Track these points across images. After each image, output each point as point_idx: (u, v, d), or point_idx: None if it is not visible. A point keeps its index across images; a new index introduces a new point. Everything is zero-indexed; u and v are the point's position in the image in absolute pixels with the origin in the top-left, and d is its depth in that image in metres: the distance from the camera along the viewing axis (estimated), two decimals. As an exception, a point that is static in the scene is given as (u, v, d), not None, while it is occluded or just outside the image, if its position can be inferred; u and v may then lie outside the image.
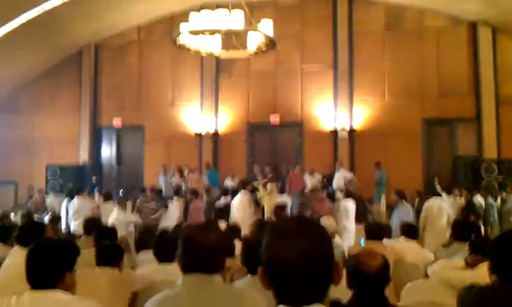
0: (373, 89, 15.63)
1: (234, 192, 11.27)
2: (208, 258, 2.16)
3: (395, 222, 8.73)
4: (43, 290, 2.37)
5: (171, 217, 10.74)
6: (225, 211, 9.91)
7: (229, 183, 14.45)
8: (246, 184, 11.55)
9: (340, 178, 13.67)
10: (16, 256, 3.89)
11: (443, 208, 10.03)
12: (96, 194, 13.31)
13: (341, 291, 2.47)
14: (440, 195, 10.90)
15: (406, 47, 15.51)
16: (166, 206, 10.94)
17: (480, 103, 15.01)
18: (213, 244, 2.19)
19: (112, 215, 9.77)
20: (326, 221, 6.20)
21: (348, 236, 10.18)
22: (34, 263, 2.41)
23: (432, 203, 10.11)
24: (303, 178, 13.56)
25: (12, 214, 12.24)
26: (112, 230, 5.43)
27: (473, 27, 15.26)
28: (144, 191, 11.74)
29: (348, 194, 11.02)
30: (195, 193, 11.59)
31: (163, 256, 4.10)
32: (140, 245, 5.19)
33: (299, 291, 1.38)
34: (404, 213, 9.80)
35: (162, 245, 4.15)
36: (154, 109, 16.93)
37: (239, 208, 10.63)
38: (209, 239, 2.20)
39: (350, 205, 10.63)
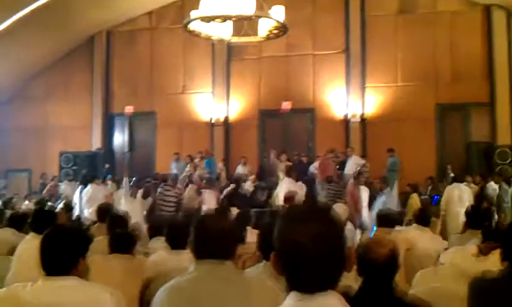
0: (385, 75, 15.52)
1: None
2: (220, 244, 2.18)
3: (377, 209, 8.69)
4: (57, 276, 2.40)
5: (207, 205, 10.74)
6: (236, 198, 9.93)
7: (240, 170, 14.48)
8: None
9: (352, 164, 13.62)
10: (30, 242, 3.95)
11: (464, 196, 10.05)
12: (110, 182, 13.41)
13: (352, 279, 2.48)
14: (461, 181, 10.91)
15: (419, 32, 15.36)
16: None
17: (494, 88, 14.86)
18: (225, 229, 2.21)
19: (121, 204, 9.93)
20: (339, 209, 6.20)
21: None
22: (48, 250, 2.45)
23: (453, 189, 10.15)
24: (333, 164, 13.10)
25: (26, 202, 12.38)
26: (124, 218, 5.48)
27: (487, 10, 15.07)
28: (165, 181, 11.70)
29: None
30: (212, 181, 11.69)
31: (176, 243, 4.13)
32: (152, 233, 5.23)
33: (311, 276, 1.39)
34: (389, 201, 9.88)
35: (175, 232, 4.19)
36: (166, 96, 16.96)
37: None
38: (221, 225, 2.22)
39: (363, 193, 10.60)
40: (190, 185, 12.07)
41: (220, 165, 14.70)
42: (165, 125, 16.91)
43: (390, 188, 13.29)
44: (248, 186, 12.17)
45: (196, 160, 14.70)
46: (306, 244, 1.37)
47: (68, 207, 9.57)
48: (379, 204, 9.85)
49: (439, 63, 15.22)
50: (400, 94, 15.33)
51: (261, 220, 6.92)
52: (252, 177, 12.80)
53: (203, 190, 11.09)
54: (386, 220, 5.58)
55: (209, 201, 10.67)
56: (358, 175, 10.55)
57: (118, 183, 11.98)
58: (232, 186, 11.47)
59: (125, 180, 11.10)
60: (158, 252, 4.42)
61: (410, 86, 15.30)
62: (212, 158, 14.85)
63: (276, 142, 16.12)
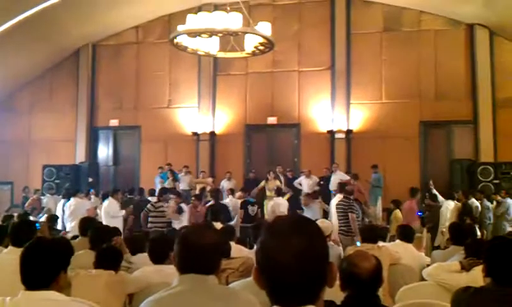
0: (370, 91, 15.66)
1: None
2: (203, 259, 2.17)
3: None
4: (37, 290, 2.37)
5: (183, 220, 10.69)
6: (221, 213, 9.87)
7: (225, 184, 14.46)
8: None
9: (337, 180, 13.67)
10: (9, 255, 3.89)
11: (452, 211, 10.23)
12: (93, 196, 13.30)
13: (335, 294, 2.48)
14: (452, 198, 11.07)
15: (403, 49, 15.54)
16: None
17: (477, 106, 15.05)
18: (208, 244, 2.20)
19: (103, 205, 9.92)
20: (323, 224, 6.20)
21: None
22: (28, 263, 2.41)
23: (446, 206, 10.33)
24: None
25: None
26: (108, 231, 5.43)
27: (470, 29, 15.30)
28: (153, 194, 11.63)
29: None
30: (198, 196, 11.64)
31: (158, 258, 4.10)
32: (135, 249, 5.18)
33: (292, 291, 1.37)
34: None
35: (158, 246, 4.16)
36: (151, 110, 16.92)
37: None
38: (205, 239, 2.21)
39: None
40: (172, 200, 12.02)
41: (209, 180, 14.66)
42: (150, 139, 16.85)
43: (374, 203, 13.40)
44: (233, 202, 12.10)
45: (179, 176, 14.71)
46: (288, 261, 1.36)
47: (51, 220, 9.46)
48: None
49: (423, 81, 15.39)
50: (385, 111, 15.46)
51: (256, 235, 6.88)
52: (238, 193, 12.75)
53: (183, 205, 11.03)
54: (370, 235, 5.59)
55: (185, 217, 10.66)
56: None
57: (103, 197, 11.88)
58: (210, 200, 11.43)
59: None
60: (141, 267, 4.39)
61: (395, 103, 15.44)
62: (166, 172, 14.73)
63: (261, 157, 16.15)
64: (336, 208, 9.58)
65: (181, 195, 11.86)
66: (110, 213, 10.28)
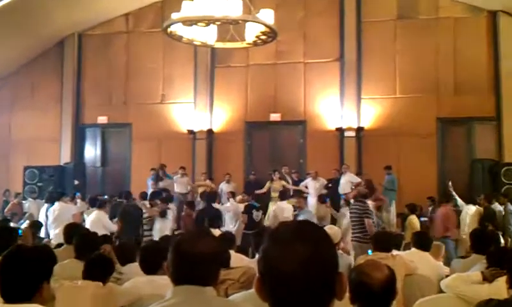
0: (383, 85, 15.64)
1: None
2: (200, 268, 2.15)
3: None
4: (18, 303, 2.36)
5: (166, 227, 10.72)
6: (219, 219, 9.88)
7: (224, 187, 14.46)
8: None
9: (347, 183, 13.67)
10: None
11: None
12: (79, 200, 13.32)
13: (344, 307, 2.47)
14: (473, 202, 11.09)
15: (419, 39, 15.52)
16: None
17: (501, 100, 15.02)
18: (206, 252, 2.19)
19: (91, 216, 9.93)
20: (331, 230, 6.19)
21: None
22: (7, 274, 2.39)
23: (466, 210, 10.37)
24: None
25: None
26: (94, 238, 5.43)
27: (492, 16, 15.28)
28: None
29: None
30: (190, 204, 11.66)
31: (151, 268, 4.10)
32: (125, 258, 5.18)
33: (297, 304, 1.37)
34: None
35: (150, 255, 4.16)
36: (143, 105, 16.93)
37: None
38: (202, 247, 2.19)
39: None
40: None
41: (208, 182, 14.69)
42: (142, 138, 16.85)
43: (387, 208, 13.38)
44: (235, 206, 12.10)
45: (175, 177, 14.72)
46: (293, 270, 1.36)
47: (34, 226, 9.46)
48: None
49: (441, 73, 15.37)
50: (399, 107, 15.44)
51: (258, 243, 6.89)
52: (239, 197, 12.74)
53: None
54: (383, 243, 5.58)
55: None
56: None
57: (90, 202, 11.89)
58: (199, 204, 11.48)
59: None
60: (132, 278, 4.39)
61: (410, 98, 15.42)
62: (156, 174, 14.79)
63: (263, 158, 16.14)
64: (350, 213, 9.57)
65: (169, 197, 11.81)
66: (103, 226, 10.25)
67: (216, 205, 11.20)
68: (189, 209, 11.43)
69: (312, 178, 14.13)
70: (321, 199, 12.45)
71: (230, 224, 11.73)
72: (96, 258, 4.21)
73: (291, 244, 1.39)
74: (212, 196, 11.68)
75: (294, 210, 11.35)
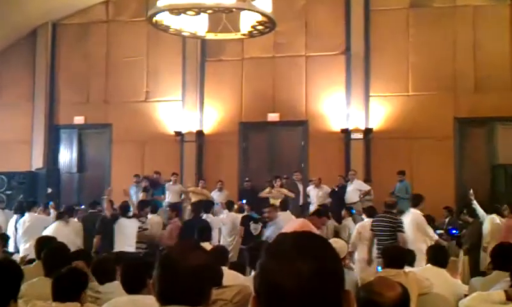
0: (394, 82, 15.67)
1: None
2: (190, 286, 2.15)
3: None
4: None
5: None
6: (209, 231, 9.85)
7: (215, 196, 14.44)
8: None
9: (354, 191, 13.68)
10: None
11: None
12: (53, 210, 13.27)
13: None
14: (497, 211, 11.12)
15: (435, 29, 15.55)
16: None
17: (526, 99, 15.08)
18: (197, 268, 2.18)
19: (49, 228, 9.95)
20: (337, 244, 6.20)
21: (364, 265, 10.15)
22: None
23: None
24: None
25: None
26: (65, 253, 5.40)
27: (517, 5, 15.35)
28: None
29: (370, 212, 10.94)
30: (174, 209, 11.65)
31: (133, 286, 4.09)
32: (103, 276, 5.16)
33: None
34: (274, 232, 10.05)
35: (133, 272, 4.14)
36: (124, 104, 16.92)
37: None
38: (192, 262, 2.18)
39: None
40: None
41: (206, 191, 14.62)
42: (123, 140, 16.83)
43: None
44: (232, 217, 12.07)
45: (167, 185, 14.73)
46: (292, 287, 1.35)
47: (1, 238, 9.42)
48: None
49: (459, 68, 15.40)
50: (412, 106, 15.47)
51: (254, 258, 6.89)
52: (236, 206, 12.72)
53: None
54: (394, 258, 5.59)
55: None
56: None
57: (65, 212, 11.87)
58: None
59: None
60: (112, 298, 4.38)
61: (424, 96, 15.45)
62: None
63: (260, 163, 16.14)
64: (377, 226, 9.57)
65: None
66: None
67: (209, 216, 11.17)
68: (176, 218, 11.42)
69: (315, 185, 14.11)
70: (281, 206, 12.27)
71: (228, 238, 11.70)
72: (64, 273, 4.16)
73: (292, 258, 1.39)
74: (209, 206, 11.65)
75: (261, 223, 11.35)
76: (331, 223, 12.12)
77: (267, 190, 13.74)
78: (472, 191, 12.36)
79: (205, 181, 15.01)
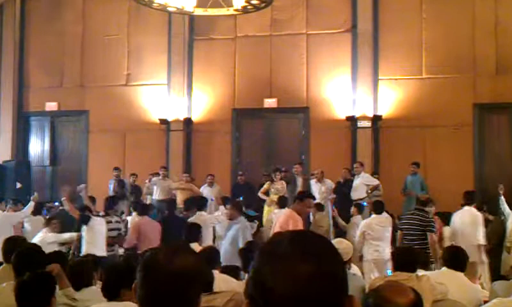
0: (406, 63, 15.66)
1: None
2: (177, 292, 2.15)
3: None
4: None
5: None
6: (199, 231, 9.85)
7: (206, 191, 14.42)
8: None
9: (361, 186, 13.68)
10: None
11: None
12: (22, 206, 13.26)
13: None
14: None
15: (452, 5, 15.55)
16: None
17: (553, 82, 15.11)
18: (185, 271, 2.18)
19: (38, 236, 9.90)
20: (341, 245, 6.20)
21: (372, 267, 10.18)
22: None
23: None
24: None
25: None
26: (38, 253, 5.40)
27: (544, -23, 15.36)
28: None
29: (378, 208, 10.96)
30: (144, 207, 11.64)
31: (114, 292, 4.10)
32: (80, 281, 5.17)
33: None
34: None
35: (113, 276, 4.15)
36: (103, 88, 16.89)
37: None
38: (180, 264, 2.18)
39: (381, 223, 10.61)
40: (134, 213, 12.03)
41: (185, 183, 14.60)
42: (101, 129, 16.81)
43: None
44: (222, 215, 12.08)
45: (154, 179, 14.70)
46: (289, 292, 1.35)
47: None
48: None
49: (479, 48, 15.40)
50: (426, 90, 15.47)
51: (247, 260, 6.89)
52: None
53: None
54: (406, 261, 5.60)
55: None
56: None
57: (34, 209, 11.87)
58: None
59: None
60: (90, 306, 4.39)
61: (439, 79, 15.45)
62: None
63: (256, 154, 16.14)
64: (405, 224, 9.64)
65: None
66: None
67: (203, 214, 11.16)
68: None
69: (317, 179, 14.10)
70: (319, 205, 12.39)
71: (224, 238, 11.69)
72: (29, 278, 4.16)
73: (288, 260, 1.38)
74: (203, 203, 11.63)
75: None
76: (320, 214, 12.20)
77: (267, 185, 13.72)
78: (502, 186, 12.34)
79: (189, 175, 14.91)
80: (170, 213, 11.36)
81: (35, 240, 9.81)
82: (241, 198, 13.07)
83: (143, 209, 11.33)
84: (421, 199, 9.97)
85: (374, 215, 10.69)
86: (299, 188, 13.86)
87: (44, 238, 9.91)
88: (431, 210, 10.13)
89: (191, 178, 14.90)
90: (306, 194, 9.05)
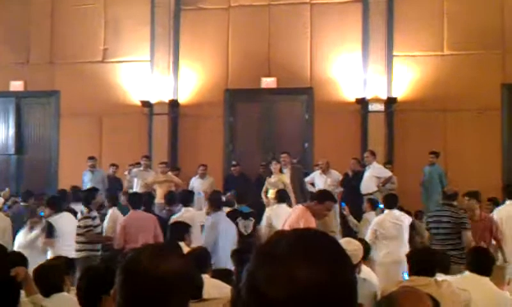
0: (425, 37, 15.65)
1: None
2: (160, 299, 2.16)
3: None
4: None
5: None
6: (186, 229, 9.87)
7: (196, 184, 14.43)
8: None
9: (371, 178, 13.69)
10: None
11: None
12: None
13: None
14: None
15: (477, -30, 15.58)
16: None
17: None
18: (170, 276, 2.19)
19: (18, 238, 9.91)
20: (350, 246, 6.21)
21: (388, 269, 10.20)
22: None
23: None
24: None
25: None
26: (2, 255, 5.40)
27: None
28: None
29: (390, 202, 10.96)
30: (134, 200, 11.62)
31: (90, 298, 4.11)
32: (49, 286, 5.18)
33: None
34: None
35: (88, 281, 4.16)
36: (76, 66, 16.85)
37: None
38: (164, 268, 2.19)
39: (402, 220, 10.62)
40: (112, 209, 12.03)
41: (175, 178, 14.59)
42: (74, 113, 16.77)
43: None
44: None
45: (135, 170, 14.69)
46: (290, 299, 1.35)
47: None
48: None
49: (509, 21, 15.40)
50: (448, 69, 15.46)
51: (240, 263, 6.90)
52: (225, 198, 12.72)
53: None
54: (424, 263, 5.62)
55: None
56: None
57: None
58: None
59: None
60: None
61: (463, 56, 15.45)
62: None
63: (252, 141, 16.14)
64: (436, 222, 9.65)
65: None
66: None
67: (189, 210, 11.17)
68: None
69: (321, 170, 14.10)
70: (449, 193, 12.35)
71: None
72: None
73: (289, 262, 1.38)
74: (188, 197, 11.62)
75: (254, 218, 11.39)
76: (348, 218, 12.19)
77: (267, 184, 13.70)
78: None
79: (166, 165, 14.78)
80: (146, 210, 11.26)
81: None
82: (233, 192, 13.04)
83: (134, 202, 11.25)
84: (448, 192, 9.95)
85: (386, 211, 10.68)
86: (288, 180, 13.72)
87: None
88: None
89: (172, 168, 14.91)
90: (329, 196, 8.84)
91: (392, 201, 10.73)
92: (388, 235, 10.22)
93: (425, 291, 3.03)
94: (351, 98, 15.76)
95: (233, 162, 15.45)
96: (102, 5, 16.93)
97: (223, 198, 12.58)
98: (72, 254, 9.58)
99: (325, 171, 13.98)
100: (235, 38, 16.42)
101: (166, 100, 16.46)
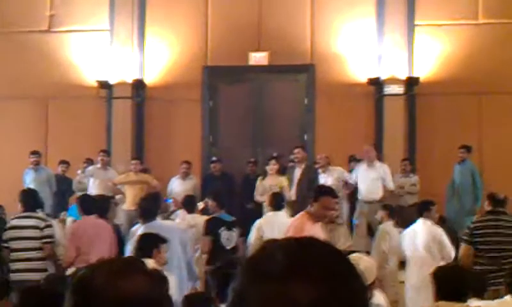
0: (454, 2, 15.72)
1: None
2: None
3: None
4: None
5: None
6: (157, 241, 9.92)
7: (177, 186, 14.45)
8: None
9: (377, 180, 13.73)
10: None
11: None
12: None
13: None
14: None
15: None
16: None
17: None
18: (134, 300, 2.20)
19: None
20: (362, 262, 6.23)
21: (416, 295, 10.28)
22: None
23: None
24: None
25: None
26: None
27: None
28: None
29: (420, 209, 11.04)
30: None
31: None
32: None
33: None
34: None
35: (33, 303, 4.18)
36: (15, 35, 16.85)
37: None
38: (126, 291, 2.19)
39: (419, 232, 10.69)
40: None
41: (148, 177, 14.65)
42: (12, 95, 16.76)
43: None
44: (197, 220, 12.13)
45: (90, 168, 14.73)
46: None
47: None
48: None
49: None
50: (483, 42, 15.55)
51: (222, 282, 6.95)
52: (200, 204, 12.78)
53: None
54: (453, 285, 5.65)
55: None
56: None
57: None
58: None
59: None
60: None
61: (502, 26, 15.53)
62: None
63: (238, 131, 16.18)
64: (485, 235, 9.73)
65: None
66: None
67: (158, 222, 11.20)
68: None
69: (322, 168, 14.12)
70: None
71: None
72: None
73: (282, 279, 1.38)
74: (153, 202, 11.63)
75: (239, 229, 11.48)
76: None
77: (258, 182, 13.76)
78: None
79: (141, 162, 14.93)
80: (101, 217, 11.28)
81: None
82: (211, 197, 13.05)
83: (86, 206, 11.27)
84: (497, 197, 10.01)
85: (420, 221, 10.73)
86: (295, 181, 13.81)
87: None
88: None
89: (144, 168, 14.95)
90: (323, 190, 8.93)
91: (420, 208, 10.94)
92: (416, 252, 10.34)
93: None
94: (362, 78, 15.83)
95: (214, 158, 15.43)
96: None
97: (199, 205, 12.63)
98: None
99: (324, 168, 13.95)
100: (216, 3, 16.44)
101: (129, 80, 16.47)
